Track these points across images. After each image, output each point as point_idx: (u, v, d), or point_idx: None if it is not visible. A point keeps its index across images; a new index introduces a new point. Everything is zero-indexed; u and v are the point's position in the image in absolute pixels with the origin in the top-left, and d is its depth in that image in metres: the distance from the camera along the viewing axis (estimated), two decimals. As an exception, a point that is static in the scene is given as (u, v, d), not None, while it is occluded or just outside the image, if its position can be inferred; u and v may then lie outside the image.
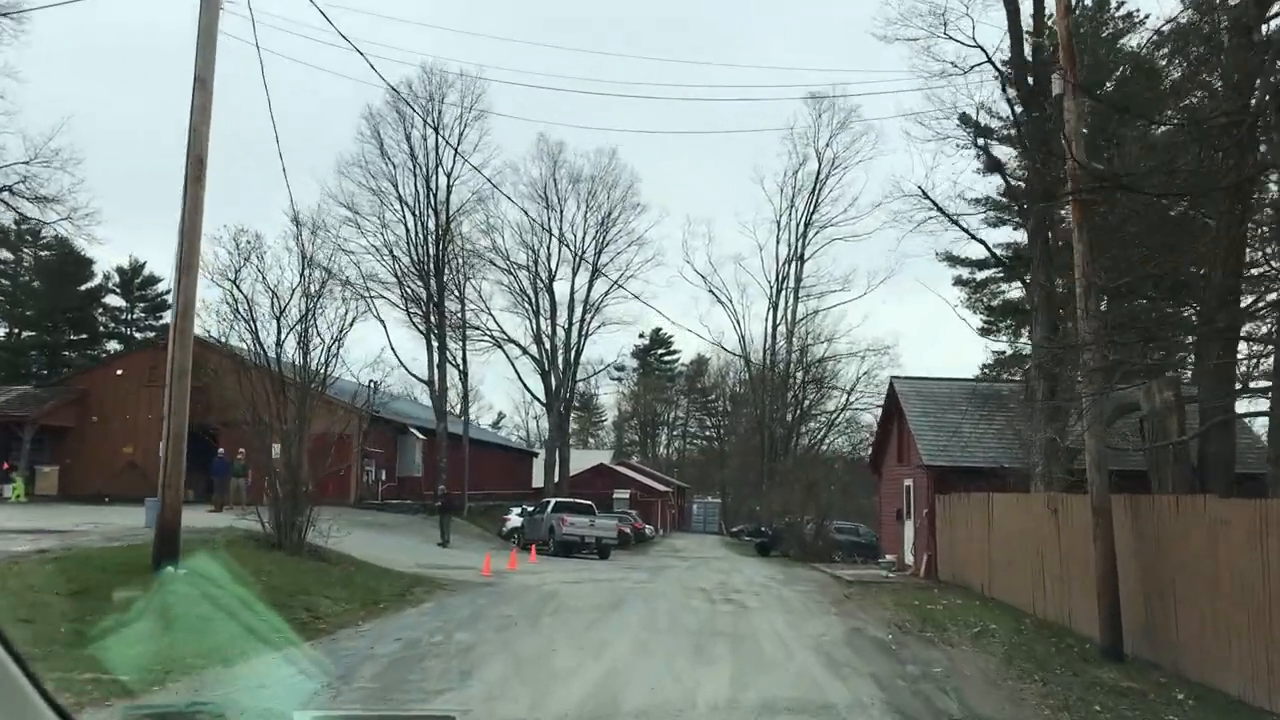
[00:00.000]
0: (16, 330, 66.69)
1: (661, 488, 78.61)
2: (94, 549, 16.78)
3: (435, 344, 40.66)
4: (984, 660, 11.97)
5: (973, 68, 21.78)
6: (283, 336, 19.16)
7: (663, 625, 13.91)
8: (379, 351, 23.59)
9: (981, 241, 28.13)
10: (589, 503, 37.72)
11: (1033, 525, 16.91)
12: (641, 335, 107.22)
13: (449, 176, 41.58)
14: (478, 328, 52.02)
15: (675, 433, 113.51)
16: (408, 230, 41.00)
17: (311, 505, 19.23)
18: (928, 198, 23.54)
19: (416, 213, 40.93)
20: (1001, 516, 19.22)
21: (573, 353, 55.62)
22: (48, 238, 62.19)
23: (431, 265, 40.82)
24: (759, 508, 59.90)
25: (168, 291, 78.61)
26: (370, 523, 32.67)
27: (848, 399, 61.53)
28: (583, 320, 55.32)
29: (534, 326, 53.99)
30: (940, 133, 24.98)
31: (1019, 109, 22.81)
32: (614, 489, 69.78)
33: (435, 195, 41.19)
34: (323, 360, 19.39)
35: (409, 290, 41.36)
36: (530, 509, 38.13)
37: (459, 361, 44.72)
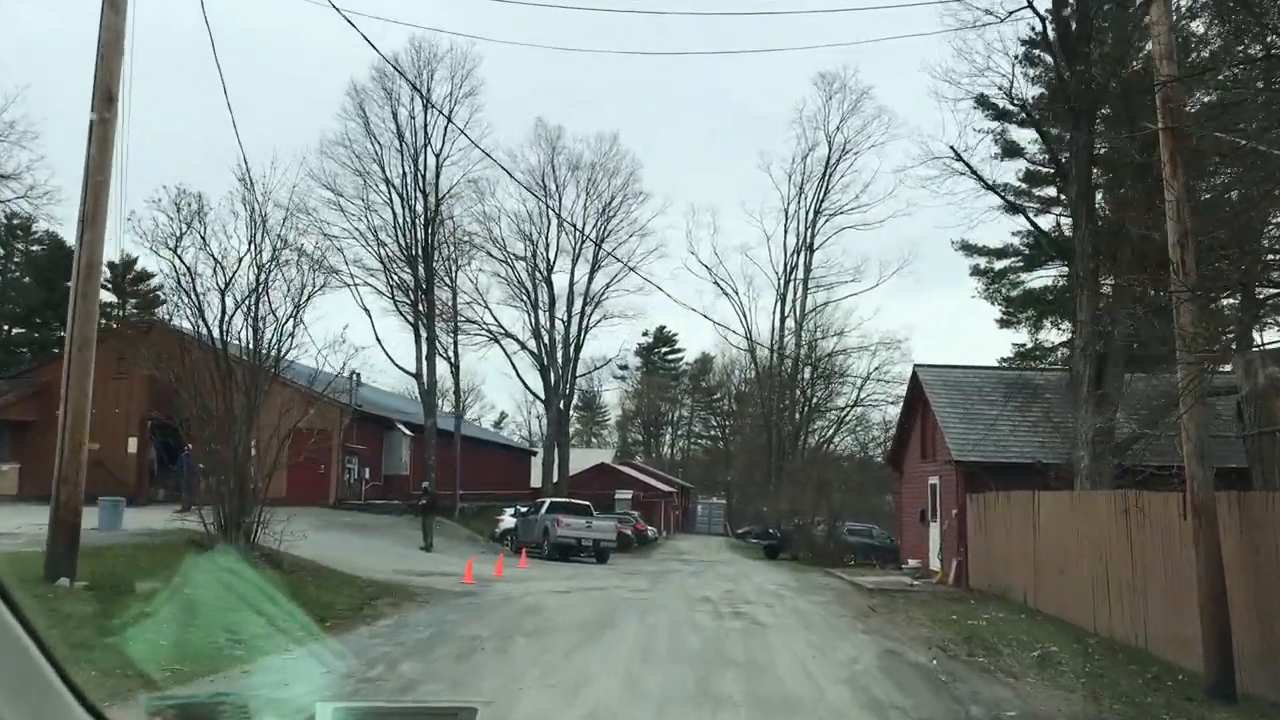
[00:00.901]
0: (6, 326, 64.79)
1: (665, 488, 76.20)
2: (2, 556, 14.52)
3: (424, 334, 38.24)
4: (1062, 699, 9.56)
5: (1011, 14, 19.35)
6: (229, 312, 16.78)
7: (660, 649, 11.51)
8: (342, 329, 21.13)
9: (1021, 209, 25.65)
10: (586, 503, 35.35)
11: (1094, 528, 14.51)
12: (645, 333, 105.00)
13: (438, 157, 39.25)
14: (474, 321, 49.78)
15: (680, 432, 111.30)
16: (394, 214, 38.70)
17: (262, 504, 16.89)
18: (960, 159, 21.16)
19: (404, 195, 38.62)
20: (1050, 518, 16.80)
21: (572, 347, 53.36)
22: (39, 233, 60.53)
23: (420, 251, 38.44)
24: (765, 508, 57.52)
25: (160, 287, 76.70)
26: (349, 524, 30.34)
27: (858, 395, 59.08)
28: (583, 313, 53.14)
29: (532, 320, 51.78)
30: (973, 90, 22.50)
31: (1063, 63, 20.33)
32: (616, 489, 67.41)
33: (424, 177, 38.86)
34: (276, 340, 17.00)
35: (396, 278, 39.04)
36: (524, 509, 35.78)
37: (451, 354, 42.38)
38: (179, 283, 16.94)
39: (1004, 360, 44.30)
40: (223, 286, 16.62)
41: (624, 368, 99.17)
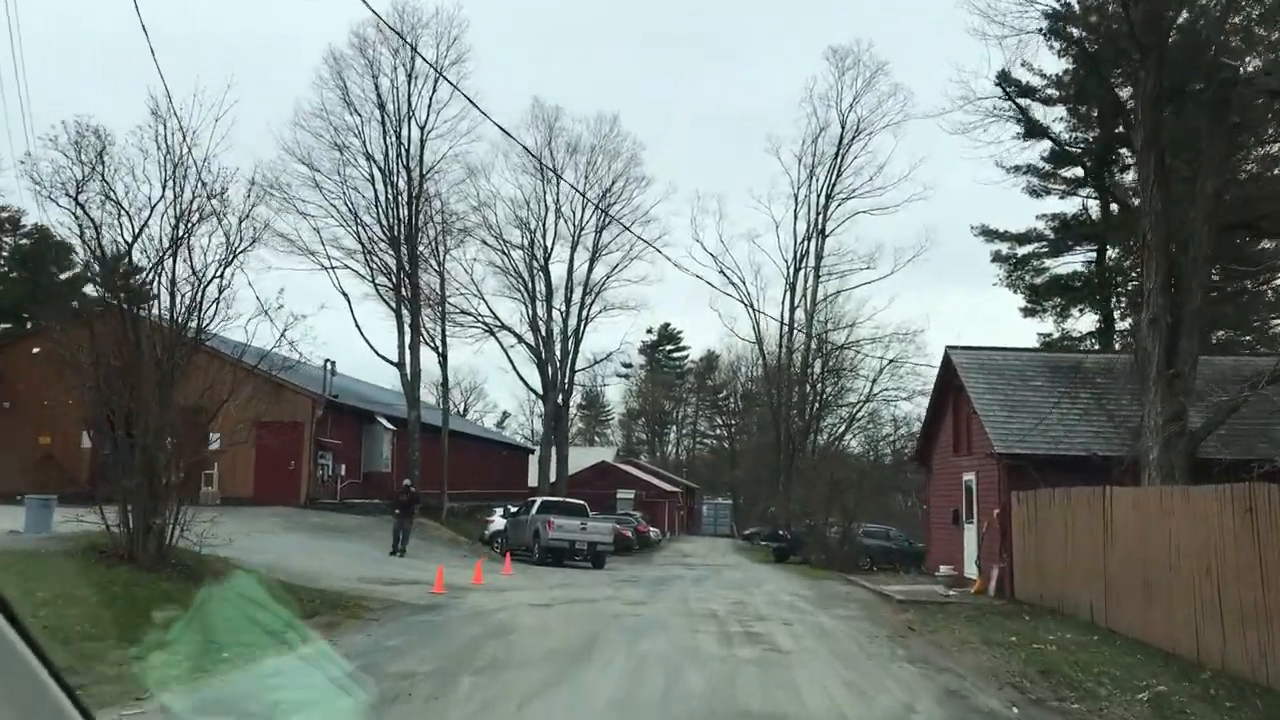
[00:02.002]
0: (-10, 320, 62.33)
1: (669, 488, 73.48)
2: None
3: (407, 320, 35.38)
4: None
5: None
6: (141, 272, 14.03)
7: (650, 696, 8.63)
8: (278, 293, 18.00)
9: (1076, 158, 22.68)
10: (580, 502, 32.53)
11: (1197, 532, 11.64)
12: (649, 330, 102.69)
13: (423, 129, 36.33)
14: (469, 313, 47.24)
15: (685, 431, 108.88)
16: (375, 191, 35.83)
17: (180, 501, 14.12)
18: (1008, 95, 18.19)
19: (385, 170, 35.71)
20: (1129, 519, 13.93)
21: (571, 340, 50.58)
22: (28, 225, 58.34)
23: (402, 231, 35.58)
24: (774, 509, 54.70)
25: (152, 281, 74.00)
26: (318, 526, 27.55)
27: (871, 389, 56.22)
28: (582, 303, 50.44)
29: (529, 312, 49.03)
30: (1018, 28, 19.59)
31: None
32: (617, 489, 64.87)
33: (407, 151, 36.01)
34: (196, 303, 14.22)
35: (377, 260, 36.16)
36: (514, 510, 32.97)
37: (439, 343, 39.52)
38: (82, 238, 14.21)
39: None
40: (130, 240, 13.88)
41: (628, 366, 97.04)
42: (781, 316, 53.40)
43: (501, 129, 42.06)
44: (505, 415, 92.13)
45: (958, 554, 22.59)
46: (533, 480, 54.65)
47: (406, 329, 35.32)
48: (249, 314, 14.97)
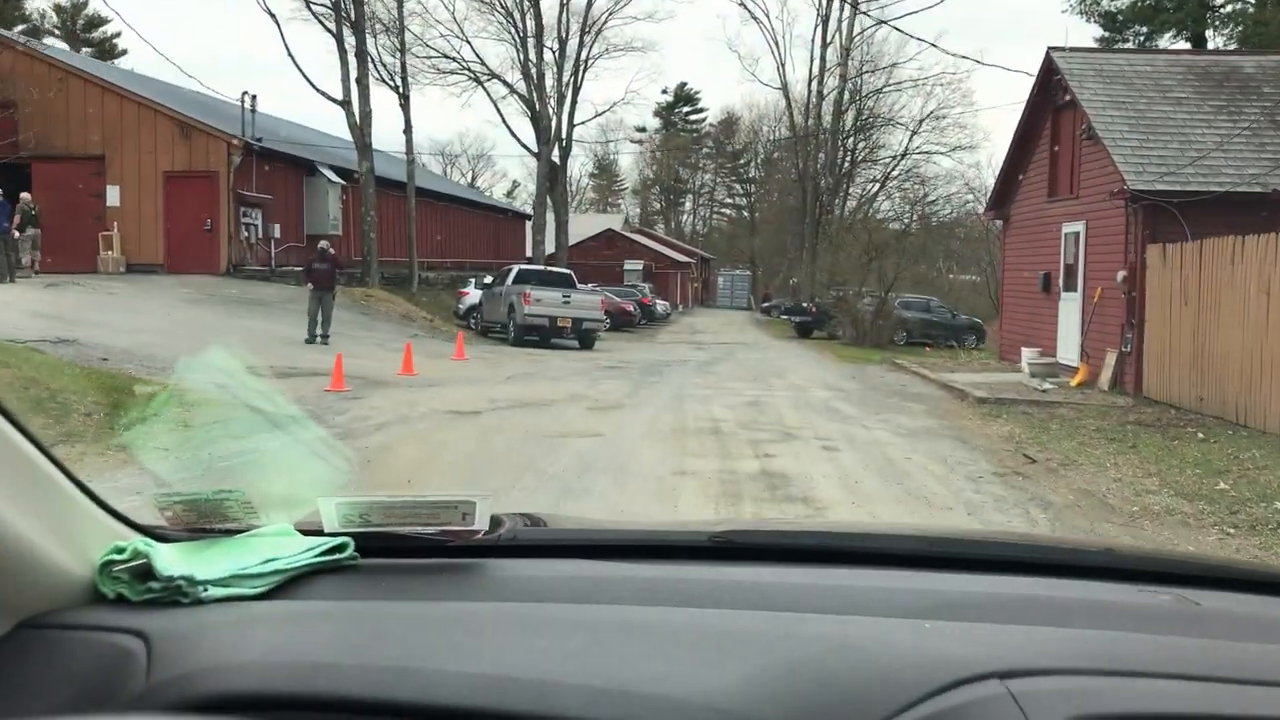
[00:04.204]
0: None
1: (682, 258, 67.99)
2: None
3: (352, 47, 28.44)
4: None
5: None
6: None
7: None
8: None
9: None
10: (565, 271, 27.05)
11: None
12: (664, 91, 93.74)
13: None
14: (452, 58, 40.53)
15: (701, 201, 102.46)
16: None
17: None
18: None
19: None
20: None
21: (568, 87, 43.80)
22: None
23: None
24: (796, 279, 49.30)
25: (118, 34, 65.89)
26: (234, 299, 22.13)
27: (909, 142, 49.38)
28: (580, 42, 43.36)
29: (520, 56, 42.08)
30: None
31: None
32: (626, 259, 59.74)
33: None
34: None
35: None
36: (489, 281, 27.58)
37: (398, 82, 32.77)
38: None
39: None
40: None
41: (641, 130, 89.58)
42: (810, 61, 45.93)
43: None
44: (515, 185, 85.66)
45: (1049, 333, 17.00)
46: (531, 250, 49.22)
47: (351, 60, 28.54)
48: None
